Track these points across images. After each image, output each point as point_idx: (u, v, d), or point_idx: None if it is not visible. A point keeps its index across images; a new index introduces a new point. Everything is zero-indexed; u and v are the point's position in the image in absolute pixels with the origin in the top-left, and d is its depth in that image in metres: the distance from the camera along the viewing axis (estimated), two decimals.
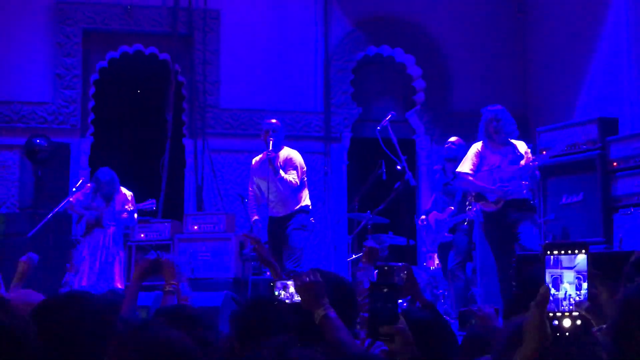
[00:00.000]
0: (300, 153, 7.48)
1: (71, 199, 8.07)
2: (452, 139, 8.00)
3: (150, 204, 8.23)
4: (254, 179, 7.45)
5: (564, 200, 7.76)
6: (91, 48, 9.82)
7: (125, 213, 7.99)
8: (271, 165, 7.11)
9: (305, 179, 7.38)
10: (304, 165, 7.35)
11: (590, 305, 1.76)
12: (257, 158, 7.46)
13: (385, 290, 2.21)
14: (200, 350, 1.90)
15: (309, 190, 7.46)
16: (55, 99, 9.53)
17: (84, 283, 7.69)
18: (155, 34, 9.93)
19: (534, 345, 1.55)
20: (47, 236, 8.10)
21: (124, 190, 8.13)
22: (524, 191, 6.63)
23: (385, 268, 3.52)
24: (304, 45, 10.11)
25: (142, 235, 8.53)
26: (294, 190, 7.17)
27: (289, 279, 2.98)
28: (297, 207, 7.22)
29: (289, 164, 7.23)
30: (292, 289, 2.88)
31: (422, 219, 8.27)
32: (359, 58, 10.34)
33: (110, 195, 8.00)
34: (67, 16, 9.63)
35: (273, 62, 9.99)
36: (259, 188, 7.39)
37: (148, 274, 3.78)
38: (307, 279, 2.64)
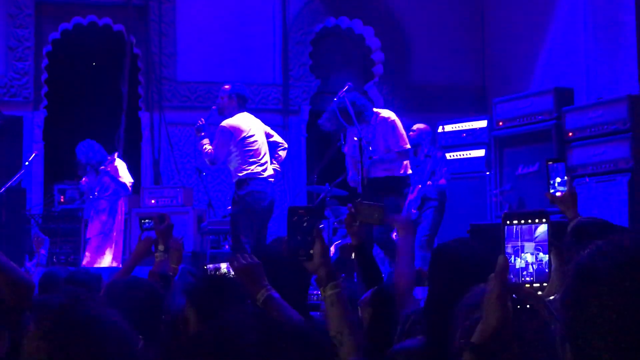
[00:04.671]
0: None
1: (81, 181, 8.07)
2: (414, 127, 7.76)
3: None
4: None
5: (520, 170, 7.82)
6: (43, 19, 9.59)
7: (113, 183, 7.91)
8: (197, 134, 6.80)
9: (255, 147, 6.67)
10: (238, 133, 6.61)
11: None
12: None
13: (305, 224, 2.32)
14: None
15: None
16: (7, 71, 9.31)
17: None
18: (110, 5, 9.73)
19: (494, 320, 1.45)
20: (0, 211, 7.93)
21: (117, 161, 8.03)
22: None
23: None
24: (262, 17, 9.99)
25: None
26: (214, 160, 6.67)
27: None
28: (236, 178, 6.61)
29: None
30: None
31: None
32: (317, 30, 10.25)
33: (96, 167, 7.93)
34: None
35: (230, 33, 9.85)
36: None
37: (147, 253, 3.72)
38: (245, 261, 2.54)
